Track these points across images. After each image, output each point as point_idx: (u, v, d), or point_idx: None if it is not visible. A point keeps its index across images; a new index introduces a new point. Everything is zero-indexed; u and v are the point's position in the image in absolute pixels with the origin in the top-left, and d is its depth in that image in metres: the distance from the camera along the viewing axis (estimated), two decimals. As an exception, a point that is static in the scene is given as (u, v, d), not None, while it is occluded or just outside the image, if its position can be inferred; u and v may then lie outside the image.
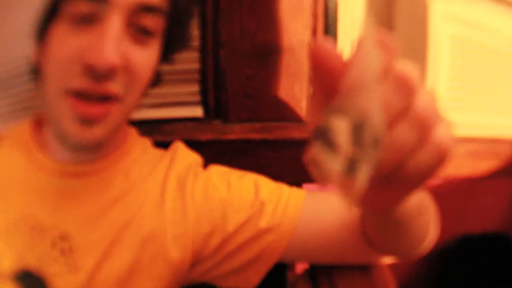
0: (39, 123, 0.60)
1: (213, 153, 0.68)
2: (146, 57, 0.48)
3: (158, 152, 0.60)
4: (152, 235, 0.52)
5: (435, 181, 0.86)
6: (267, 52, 0.71)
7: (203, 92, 0.74)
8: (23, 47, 0.91)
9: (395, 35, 0.78)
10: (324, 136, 0.19)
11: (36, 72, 0.53)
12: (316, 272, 0.73)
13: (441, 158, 0.25)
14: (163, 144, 0.61)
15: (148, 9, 0.46)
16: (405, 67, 0.25)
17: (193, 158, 0.60)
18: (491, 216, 0.94)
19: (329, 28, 0.74)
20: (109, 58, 0.43)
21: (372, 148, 0.19)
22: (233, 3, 0.70)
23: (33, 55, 0.52)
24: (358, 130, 0.19)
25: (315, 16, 0.72)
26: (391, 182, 0.25)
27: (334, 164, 0.19)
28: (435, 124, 0.25)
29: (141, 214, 0.53)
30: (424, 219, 0.46)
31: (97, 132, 0.47)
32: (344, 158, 0.19)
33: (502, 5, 0.85)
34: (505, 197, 0.94)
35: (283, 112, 0.73)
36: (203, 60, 0.73)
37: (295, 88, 0.73)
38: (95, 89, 0.45)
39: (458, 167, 0.84)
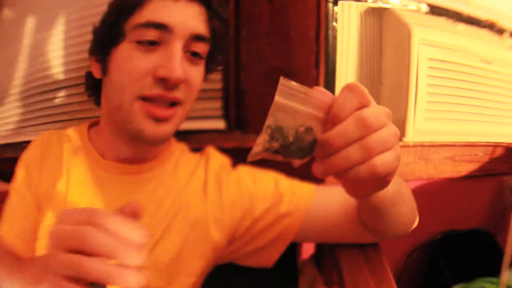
0: (90, 128, 0.70)
1: (235, 159, 0.79)
2: (197, 73, 0.61)
3: (192, 154, 0.72)
4: (197, 220, 0.64)
5: (420, 182, 0.99)
6: (279, 74, 0.84)
7: (225, 108, 0.87)
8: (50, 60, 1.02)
9: (384, 59, 0.92)
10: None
11: (96, 83, 0.64)
12: (321, 256, 0.85)
13: (375, 175, 0.36)
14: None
15: (199, 38, 0.59)
16: (374, 111, 0.36)
17: (224, 159, 0.72)
18: (470, 213, 1.07)
19: (330, 52, 0.88)
20: (178, 73, 0.56)
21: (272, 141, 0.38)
22: (252, 33, 0.82)
23: (95, 69, 0.63)
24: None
25: (318, 43, 0.85)
26: (345, 179, 0.38)
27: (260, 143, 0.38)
28: (380, 153, 0.36)
29: (188, 204, 0.64)
30: (400, 208, 0.57)
31: (166, 130, 0.59)
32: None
33: (472, 27, 1.00)
34: (482, 195, 1.07)
35: (293, 124, 0.86)
36: (225, 80, 0.85)
37: (302, 103, 0.86)
38: (166, 96, 0.57)
39: (440, 169, 0.97)
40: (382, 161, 0.36)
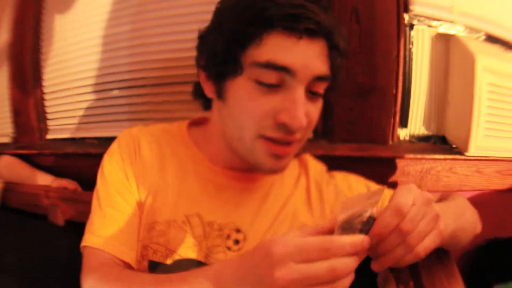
0: (189, 127, 0.71)
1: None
2: (316, 110, 0.62)
3: (292, 161, 0.76)
4: (303, 225, 0.67)
5: (474, 192, 1.08)
6: (365, 90, 0.91)
7: (313, 118, 0.93)
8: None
9: (450, 80, 1.01)
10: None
11: (205, 97, 0.65)
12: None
13: (420, 259, 0.47)
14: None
15: (321, 79, 0.58)
16: (412, 215, 0.46)
17: (321, 166, 0.78)
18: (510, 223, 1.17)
19: (406, 72, 0.96)
20: (301, 121, 0.56)
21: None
22: (341, 52, 0.90)
23: (206, 87, 0.63)
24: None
25: (398, 63, 0.93)
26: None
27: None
28: (420, 242, 0.47)
29: (296, 212, 0.68)
30: (460, 238, 0.64)
31: (284, 163, 0.62)
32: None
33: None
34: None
35: (374, 136, 0.93)
36: (314, 93, 0.92)
37: (383, 118, 0.93)
38: (286, 138, 0.59)
39: (490, 181, 1.07)
40: (424, 247, 0.47)
